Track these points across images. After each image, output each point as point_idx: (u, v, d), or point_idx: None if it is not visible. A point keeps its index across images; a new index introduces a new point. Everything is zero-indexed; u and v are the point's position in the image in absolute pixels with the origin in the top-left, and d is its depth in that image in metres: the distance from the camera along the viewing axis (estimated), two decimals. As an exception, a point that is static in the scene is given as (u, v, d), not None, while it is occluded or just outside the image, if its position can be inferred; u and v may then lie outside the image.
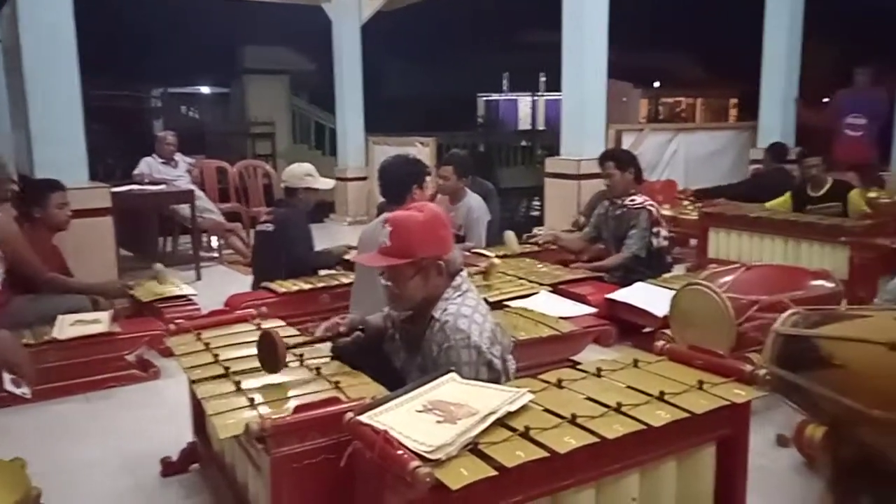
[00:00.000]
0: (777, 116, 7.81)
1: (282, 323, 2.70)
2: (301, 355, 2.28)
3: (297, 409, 1.77)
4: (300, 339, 2.23)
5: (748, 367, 1.88)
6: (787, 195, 5.28)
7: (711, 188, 6.82)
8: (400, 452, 1.45)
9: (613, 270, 4.41)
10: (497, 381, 2.01)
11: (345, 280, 4.04)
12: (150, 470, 2.70)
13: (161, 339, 3.34)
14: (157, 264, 4.58)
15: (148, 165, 6.68)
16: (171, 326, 2.66)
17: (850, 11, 9.52)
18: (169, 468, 2.70)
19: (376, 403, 1.67)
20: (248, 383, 2.08)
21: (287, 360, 2.14)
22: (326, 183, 4.42)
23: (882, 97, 7.60)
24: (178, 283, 4.33)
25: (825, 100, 9.07)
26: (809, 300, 2.97)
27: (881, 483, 2.22)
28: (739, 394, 1.81)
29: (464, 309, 2.12)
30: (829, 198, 5.03)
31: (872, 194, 6.28)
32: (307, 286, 4.04)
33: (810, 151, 5.33)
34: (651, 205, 4.46)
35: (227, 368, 2.20)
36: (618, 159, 4.57)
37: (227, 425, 1.84)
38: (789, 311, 2.33)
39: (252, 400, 1.96)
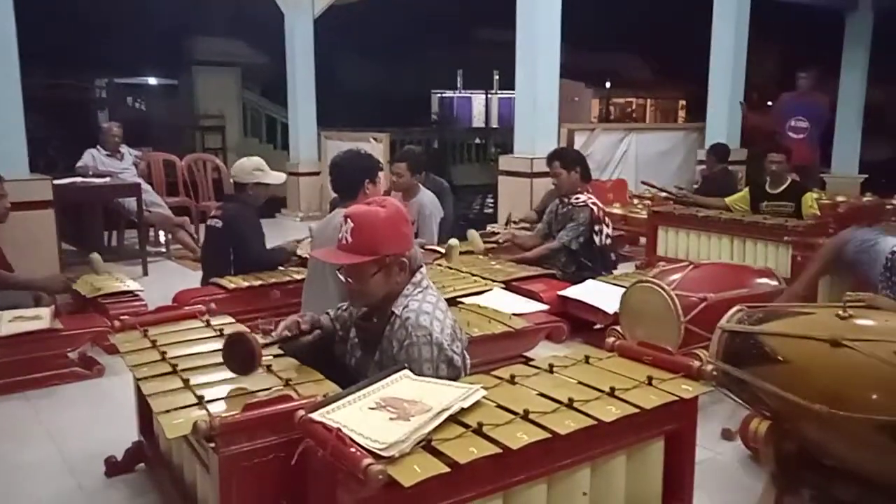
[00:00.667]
0: (724, 118, 8.00)
1: (231, 320, 2.65)
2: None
3: (247, 408, 1.74)
4: (262, 341, 2.19)
5: (695, 363, 1.92)
6: (746, 190, 5.42)
7: (678, 196, 6.87)
8: (352, 450, 1.44)
9: (540, 260, 4.49)
10: (457, 378, 2.01)
11: (297, 276, 3.99)
12: (93, 471, 2.63)
13: (105, 335, 3.24)
14: (93, 254, 4.46)
15: (92, 157, 6.49)
16: (116, 323, 2.59)
17: (794, 17, 9.80)
18: (113, 468, 2.62)
19: (328, 401, 1.65)
20: (196, 381, 2.03)
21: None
22: (277, 177, 4.35)
23: (823, 101, 7.86)
24: (123, 278, 4.22)
25: (769, 103, 9.34)
26: (754, 298, 3.06)
27: (821, 476, 2.30)
28: (687, 389, 1.84)
29: (425, 305, 2.10)
30: (785, 196, 5.16)
31: (815, 195, 6.48)
32: (258, 282, 3.97)
33: (757, 153, 5.45)
34: (594, 203, 4.55)
35: (174, 366, 2.15)
36: (564, 159, 4.64)
37: (175, 424, 1.80)
38: (735, 309, 2.39)
39: (201, 398, 1.91)
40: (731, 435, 2.85)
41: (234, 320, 2.64)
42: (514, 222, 5.71)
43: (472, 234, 5.01)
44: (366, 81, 15.02)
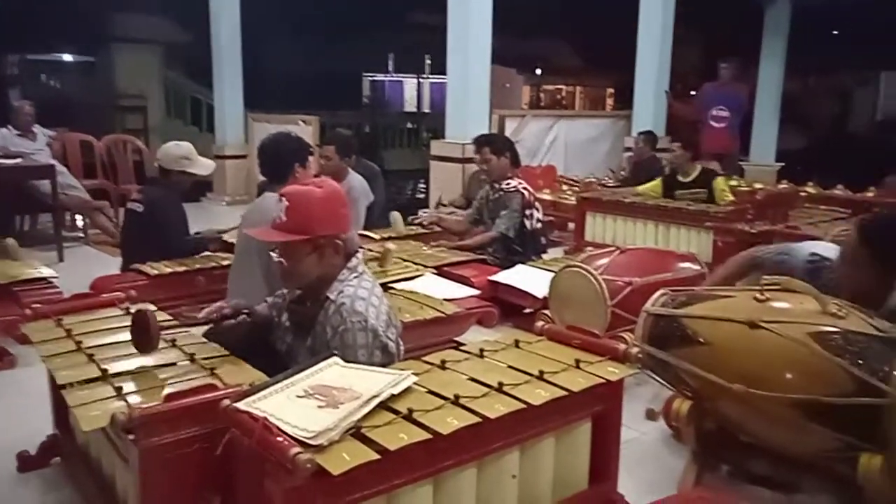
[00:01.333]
0: (650, 107, 8.19)
1: (153, 308, 2.56)
2: (173, 340, 2.17)
3: (169, 398, 1.68)
4: (179, 322, 2.12)
5: (622, 346, 1.97)
6: (658, 180, 5.55)
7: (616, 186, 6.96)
8: (280, 439, 1.41)
9: (480, 248, 4.50)
10: (391, 365, 1.99)
11: (223, 262, 3.88)
12: (5, 465, 2.50)
13: (17, 325, 3.08)
14: (9, 239, 4.24)
15: (2, 137, 6.16)
16: (28, 311, 2.47)
17: (717, 9, 10.10)
18: (27, 463, 2.50)
19: (255, 390, 1.61)
20: (114, 371, 1.95)
21: (160, 340, 2.04)
22: (206, 167, 4.22)
23: (743, 91, 8.13)
24: (36, 265, 4.02)
25: (693, 93, 9.61)
26: (678, 282, 3.15)
27: (738, 452, 2.40)
28: (613, 371, 1.88)
29: (360, 291, 2.07)
30: (696, 184, 5.31)
31: (733, 182, 6.72)
32: (181, 268, 3.84)
33: (678, 140, 5.59)
34: (525, 188, 4.59)
35: (90, 356, 2.06)
36: (493, 144, 4.66)
37: (92, 417, 1.72)
38: (659, 292, 2.45)
39: (119, 389, 1.84)
40: (654, 415, 2.93)
41: (155, 308, 2.55)
42: (444, 205, 5.71)
43: (395, 216, 4.98)
44: (295, 63, 14.70)
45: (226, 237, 4.22)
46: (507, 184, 4.58)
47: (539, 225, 4.65)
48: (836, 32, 15.41)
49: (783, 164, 9.89)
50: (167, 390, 1.74)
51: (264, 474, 1.49)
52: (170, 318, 2.41)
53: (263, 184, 3.59)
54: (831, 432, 1.98)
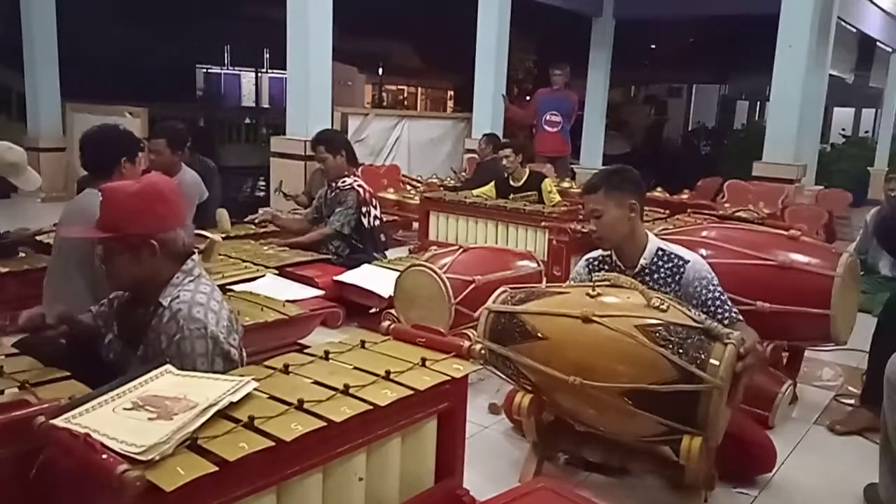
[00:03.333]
0: (488, 109, 8.46)
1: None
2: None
3: (-29, 418, 1.49)
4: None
5: (465, 343, 2.00)
6: (492, 184, 5.75)
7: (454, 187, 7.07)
8: (104, 457, 1.29)
9: (313, 246, 4.46)
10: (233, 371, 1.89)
11: (38, 265, 3.53)
12: None
13: None
14: None
15: None
16: None
17: (550, 19, 10.58)
18: None
19: (75, 404, 1.47)
20: None
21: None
22: (32, 183, 3.85)
23: (573, 98, 8.62)
24: None
25: (528, 98, 10.04)
26: (517, 279, 3.27)
27: (573, 441, 2.52)
28: (458, 368, 1.90)
29: (198, 296, 1.94)
30: (526, 187, 5.58)
31: (566, 184, 7.09)
32: (-13, 272, 3.47)
33: (509, 146, 5.83)
34: (360, 185, 4.60)
35: None
36: (329, 143, 4.61)
37: None
38: (500, 290, 2.53)
39: None
40: (496, 409, 3.02)
41: (-46, 316, 2.28)
42: (285, 193, 5.54)
43: (221, 213, 4.79)
44: (122, 50, 13.69)
45: (41, 238, 3.85)
46: (343, 182, 4.56)
47: (377, 222, 4.66)
48: (653, 47, 16.72)
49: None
50: (-32, 409, 1.54)
51: (90, 496, 1.36)
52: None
53: (84, 179, 3.31)
54: (657, 418, 2.13)
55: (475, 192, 5.72)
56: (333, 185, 4.60)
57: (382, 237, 4.81)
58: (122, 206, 1.91)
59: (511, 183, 5.63)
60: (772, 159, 7.25)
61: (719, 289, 2.47)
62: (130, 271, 1.94)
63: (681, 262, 2.51)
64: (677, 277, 2.49)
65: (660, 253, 2.55)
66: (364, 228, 4.54)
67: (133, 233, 1.91)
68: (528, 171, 5.70)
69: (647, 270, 2.53)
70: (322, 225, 4.63)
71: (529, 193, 5.53)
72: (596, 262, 2.66)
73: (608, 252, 2.63)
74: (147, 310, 1.97)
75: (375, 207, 4.65)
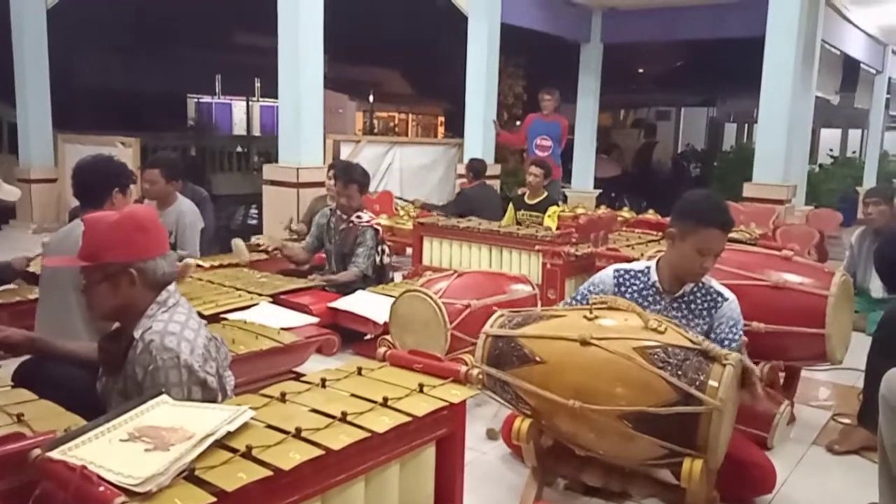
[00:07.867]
0: (479, 135, 8.51)
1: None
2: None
3: (-36, 452, 1.47)
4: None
5: (463, 368, 1.99)
6: (511, 206, 5.98)
7: (433, 207, 7.16)
8: (101, 489, 1.27)
9: (349, 285, 4.36)
10: (213, 401, 1.87)
11: (30, 296, 3.51)
12: None
13: None
14: None
15: None
16: None
17: (539, 46, 10.70)
18: None
19: (70, 436, 1.45)
20: None
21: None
22: (12, 193, 3.84)
23: (563, 123, 8.68)
24: None
25: (518, 122, 10.11)
26: (512, 303, 3.26)
27: (573, 465, 2.50)
28: (456, 394, 1.89)
29: (171, 326, 1.92)
30: (539, 208, 5.76)
31: (556, 208, 7.11)
32: (-22, 303, 3.44)
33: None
34: (377, 223, 4.62)
35: None
36: (361, 183, 4.55)
37: None
38: (497, 314, 2.52)
39: None
40: (494, 434, 3.00)
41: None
42: (293, 230, 5.57)
43: (237, 242, 4.78)
44: (113, 81, 13.77)
45: (31, 268, 3.82)
46: (359, 217, 4.52)
47: (388, 259, 4.69)
48: (641, 71, 16.92)
49: (600, 190, 10.67)
50: (-39, 443, 1.52)
51: (84, 530, 1.34)
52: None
53: (76, 209, 3.30)
54: (657, 440, 2.12)
55: (505, 220, 5.86)
56: (344, 217, 4.54)
57: (391, 274, 4.81)
58: (102, 235, 1.91)
59: (527, 200, 5.87)
60: (762, 180, 7.32)
61: (740, 333, 2.51)
62: (110, 301, 1.93)
63: (720, 299, 2.56)
64: (713, 311, 2.54)
65: (700, 284, 2.58)
66: (376, 266, 4.53)
67: (112, 261, 1.91)
68: (545, 193, 5.89)
69: (686, 298, 2.57)
70: (325, 253, 4.64)
71: (538, 214, 5.72)
72: (628, 276, 2.66)
73: (642, 269, 2.64)
74: (126, 341, 1.97)
75: (388, 244, 4.71)
